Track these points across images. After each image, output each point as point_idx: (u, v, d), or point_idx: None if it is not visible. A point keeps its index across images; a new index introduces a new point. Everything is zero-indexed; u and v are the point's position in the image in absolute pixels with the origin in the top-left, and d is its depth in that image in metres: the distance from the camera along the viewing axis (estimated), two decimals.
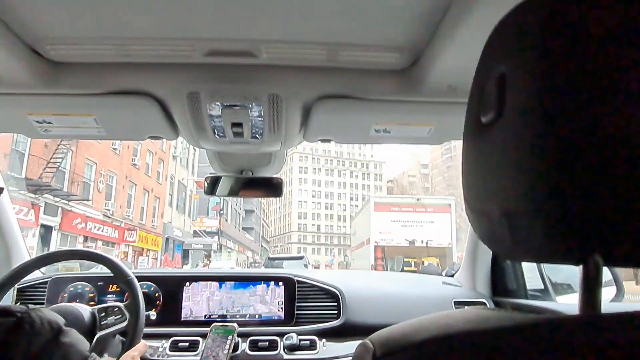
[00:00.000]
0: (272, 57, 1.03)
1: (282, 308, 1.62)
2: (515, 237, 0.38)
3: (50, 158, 14.44)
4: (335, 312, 1.61)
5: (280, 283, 1.64)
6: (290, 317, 1.60)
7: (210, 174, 1.56)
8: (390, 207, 22.97)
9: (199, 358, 1.40)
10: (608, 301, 1.39)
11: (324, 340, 1.52)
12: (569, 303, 1.55)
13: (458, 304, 1.66)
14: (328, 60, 1.04)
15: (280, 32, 0.94)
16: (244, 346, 1.48)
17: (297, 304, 1.62)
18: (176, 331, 1.52)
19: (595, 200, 0.33)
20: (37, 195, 13.87)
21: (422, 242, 21.55)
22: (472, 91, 0.44)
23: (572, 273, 1.86)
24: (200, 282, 1.62)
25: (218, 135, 1.27)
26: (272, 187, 1.52)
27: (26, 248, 1.66)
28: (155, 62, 1.04)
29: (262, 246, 49.25)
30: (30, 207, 13.36)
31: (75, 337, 0.66)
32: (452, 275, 1.95)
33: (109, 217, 18.51)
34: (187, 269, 1.89)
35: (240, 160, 1.50)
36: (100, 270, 1.51)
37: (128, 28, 0.92)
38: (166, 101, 1.14)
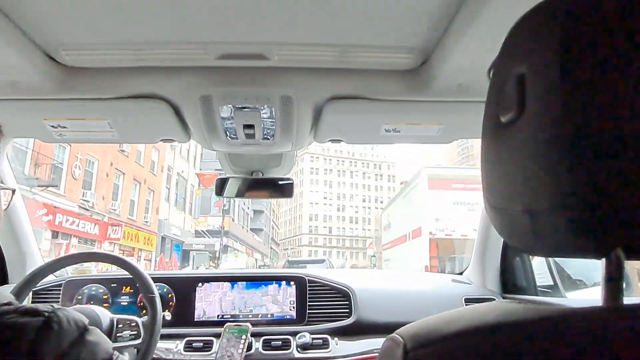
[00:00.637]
0: (284, 59, 1.07)
1: (294, 307, 1.66)
2: (537, 233, 0.40)
3: None
4: (347, 310, 1.65)
5: (292, 282, 1.69)
6: (302, 316, 1.65)
7: (219, 174, 1.61)
8: (450, 184, 15.77)
9: (213, 357, 1.46)
10: None
11: (336, 339, 1.57)
12: (579, 299, 1.57)
13: (468, 301, 1.69)
14: (338, 62, 1.08)
15: (292, 34, 0.98)
16: (257, 345, 1.52)
17: (308, 303, 1.67)
18: (190, 331, 1.58)
19: (617, 195, 0.35)
20: None
21: None
22: (490, 91, 0.46)
23: (581, 269, 1.88)
24: (213, 283, 1.68)
25: (230, 137, 1.32)
26: (282, 188, 1.57)
27: (39, 251, 1.73)
28: (168, 65, 1.09)
29: (271, 248, 48.91)
30: None
31: (100, 336, 0.68)
32: (461, 273, 1.98)
33: (87, 210, 15.83)
34: (199, 271, 1.92)
35: (250, 161, 1.55)
36: (114, 271, 1.57)
37: (141, 33, 0.96)
38: (179, 104, 1.19)
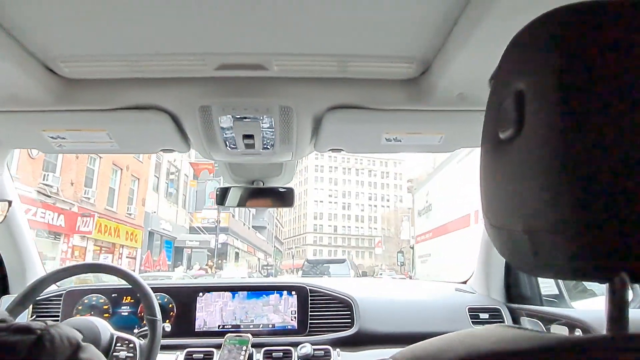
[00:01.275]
0: (283, 70, 1.08)
1: (295, 317, 1.69)
2: (538, 254, 0.39)
3: None
4: (349, 320, 1.67)
5: (293, 292, 1.71)
6: (304, 326, 1.67)
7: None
8: None
9: None
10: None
11: (338, 349, 1.58)
12: (584, 310, 1.58)
13: (472, 310, 1.70)
14: (338, 71, 1.10)
15: (291, 45, 0.99)
16: (258, 356, 1.55)
17: (310, 313, 1.69)
18: (190, 342, 1.60)
19: (620, 217, 0.34)
20: None
21: None
22: (488, 107, 0.46)
23: None
24: (213, 293, 1.70)
25: (230, 147, 1.34)
26: (283, 197, 1.59)
27: (40, 261, 1.76)
28: (167, 77, 1.11)
29: (275, 247, 48.68)
30: None
31: (94, 354, 0.66)
32: (465, 282, 2.00)
33: (50, 196, 13.70)
34: (198, 280, 1.89)
35: (251, 171, 1.58)
36: (115, 280, 1.59)
37: (139, 45, 0.98)
38: (178, 115, 1.21)
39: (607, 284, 0.38)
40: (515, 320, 1.67)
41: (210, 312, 1.68)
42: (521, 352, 0.38)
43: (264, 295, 1.71)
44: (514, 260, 0.44)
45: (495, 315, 1.69)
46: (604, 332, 0.39)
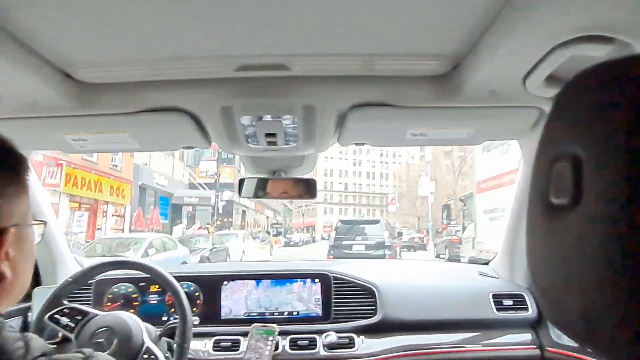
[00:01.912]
0: (305, 69, 1.07)
1: (319, 305, 1.74)
2: (594, 341, 0.37)
3: None
4: (372, 308, 1.72)
5: (317, 280, 1.76)
6: (328, 314, 1.73)
7: (238, 170, 1.66)
8: None
9: (241, 357, 1.55)
10: None
11: (362, 337, 1.65)
12: None
13: (496, 296, 1.74)
14: (363, 70, 1.08)
15: (314, 45, 0.98)
16: (284, 343, 1.62)
17: (333, 301, 1.75)
18: (217, 330, 1.68)
19: None
20: None
21: None
22: (536, 165, 0.43)
23: None
24: (238, 281, 1.76)
25: (252, 144, 1.35)
26: (305, 188, 1.61)
27: (69, 251, 1.83)
28: (187, 79, 1.11)
29: (284, 205, 49.03)
30: None
31: None
32: (487, 263, 2.03)
33: None
34: (222, 268, 1.93)
35: (273, 162, 1.59)
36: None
37: (157, 49, 0.98)
38: (199, 116, 1.22)
39: None
40: (539, 306, 1.71)
41: (235, 301, 1.75)
42: None
43: (288, 283, 1.76)
44: (563, 330, 0.42)
45: (519, 302, 1.73)
46: None
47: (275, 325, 1.61)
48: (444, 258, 16.59)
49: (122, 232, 16.44)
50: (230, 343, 1.63)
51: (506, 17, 0.84)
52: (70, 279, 1.41)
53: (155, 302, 1.75)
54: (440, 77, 1.12)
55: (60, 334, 1.35)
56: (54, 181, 13.60)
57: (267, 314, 1.74)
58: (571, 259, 0.37)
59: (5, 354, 0.58)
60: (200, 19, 0.87)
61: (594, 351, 0.38)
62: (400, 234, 21.18)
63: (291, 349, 1.61)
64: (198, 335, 1.62)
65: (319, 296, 1.75)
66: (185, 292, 1.62)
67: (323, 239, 37.44)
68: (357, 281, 1.78)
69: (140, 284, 1.75)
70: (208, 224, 21.48)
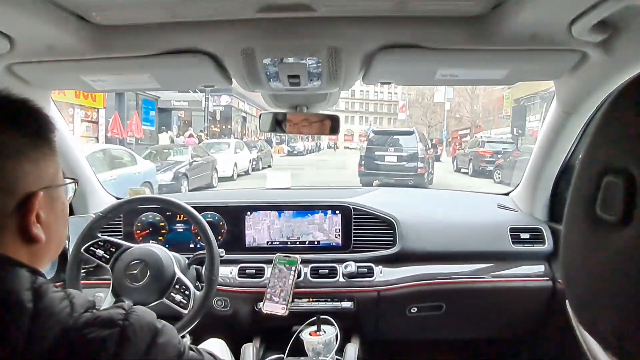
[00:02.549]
0: (331, 9, 1.02)
1: (339, 235, 1.83)
2: (626, 357, 0.38)
3: None
4: (391, 239, 1.81)
5: (337, 211, 1.83)
6: (348, 243, 1.82)
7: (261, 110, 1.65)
8: None
9: (265, 283, 1.67)
10: None
11: (380, 266, 1.75)
12: None
13: (513, 230, 1.81)
14: (394, 10, 1.03)
15: None
16: (305, 271, 1.73)
17: (353, 231, 1.83)
18: (242, 257, 1.78)
19: None
20: None
21: None
22: (582, 170, 0.43)
23: None
24: (260, 212, 1.84)
25: (273, 83, 1.33)
26: (328, 124, 1.60)
27: (99, 183, 1.92)
28: (207, 20, 1.07)
29: None
30: None
31: (169, 334, 0.74)
32: (508, 194, 2.08)
33: None
34: (245, 199, 1.97)
35: (294, 98, 1.56)
36: None
37: None
38: (220, 57, 1.19)
39: None
40: (556, 240, 1.79)
41: (258, 230, 1.84)
42: None
43: (309, 214, 1.84)
44: (594, 337, 0.42)
45: (536, 235, 1.80)
46: None
47: (297, 256, 1.70)
48: (465, 172, 15.84)
49: (97, 140, 15.22)
50: (254, 270, 1.74)
51: None
52: (101, 214, 1.48)
53: (182, 230, 1.84)
54: (477, 17, 1.06)
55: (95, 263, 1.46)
56: None
57: (289, 243, 1.83)
58: (612, 276, 0.37)
59: (54, 315, 0.62)
60: None
61: None
62: (434, 145, 19.94)
63: (312, 277, 1.73)
64: (223, 262, 1.71)
65: (340, 227, 1.83)
66: (210, 222, 1.71)
67: (329, 147, 37.63)
68: (377, 213, 1.85)
69: (167, 213, 1.84)
70: (201, 131, 20.25)
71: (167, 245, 1.54)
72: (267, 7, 1.00)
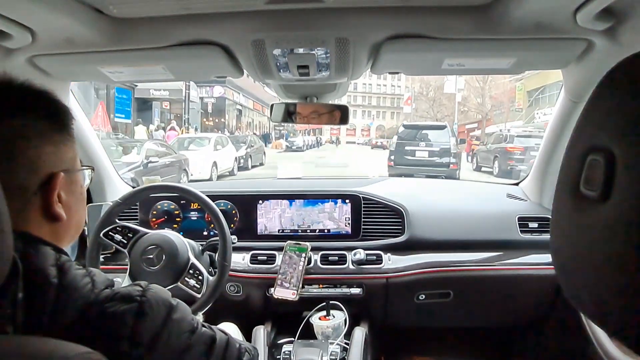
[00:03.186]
0: (339, 1, 1.07)
1: (349, 224, 1.89)
2: (602, 319, 0.41)
3: None
4: (400, 228, 1.87)
5: (347, 200, 1.89)
6: (357, 232, 1.89)
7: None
8: None
9: (277, 270, 1.74)
10: None
11: (389, 254, 1.82)
12: None
13: (522, 219, 1.87)
14: (401, 1, 1.08)
15: None
16: (316, 258, 1.80)
17: (363, 220, 1.89)
18: (254, 245, 1.85)
19: None
20: None
21: None
22: (569, 151, 0.46)
23: None
24: (272, 201, 1.90)
25: (283, 74, 1.39)
26: (337, 114, 1.64)
27: (117, 173, 2.00)
28: (218, 12, 1.13)
29: None
30: None
31: (183, 311, 0.81)
32: (517, 184, 2.13)
33: None
34: (257, 188, 2.03)
35: (304, 88, 1.62)
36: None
37: None
38: (231, 48, 1.25)
39: None
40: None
41: (270, 218, 1.90)
42: None
43: (319, 203, 1.90)
44: (577, 307, 0.46)
45: (544, 225, 1.85)
46: None
47: (307, 244, 1.77)
48: (488, 171, 14.29)
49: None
50: (266, 257, 1.81)
51: None
52: (119, 200, 1.54)
53: (196, 218, 1.91)
54: (481, 7, 1.10)
55: (113, 248, 1.53)
56: None
57: (299, 231, 1.90)
58: (592, 247, 0.40)
59: (77, 290, 0.68)
60: None
61: (602, 329, 0.43)
62: (463, 140, 18.92)
63: (322, 264, 1.80)
64: (236, 249, 1.77)
65: (349, 216, 1.90)
66: (223, 210, 1.79)
67: (331, 142, 37.54)
68: (387, 202, 1.91)
69: (182, 202, 1.91)
70: (191, 125, 18.78)
71: (181, 233, 1.60)
72: None
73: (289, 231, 1.91)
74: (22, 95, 0.73)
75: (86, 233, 1.63)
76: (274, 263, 1.80)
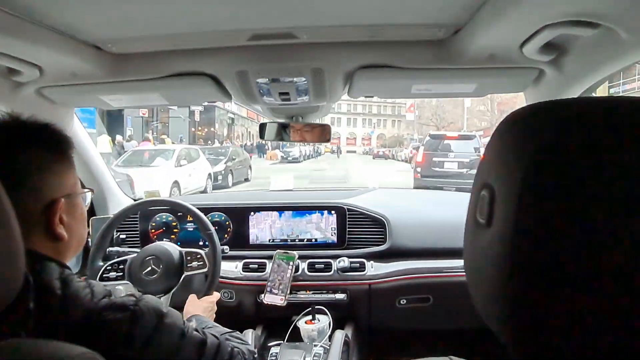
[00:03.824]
0: (312, 37, 1.24)
1: (335, 233, 2.06)
2: (491, 323, 0.49)
3: None
4: (382, 237, 2.03)
5: (333, 212, 2.06)
6: (342, 241, 2.05)
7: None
8: None
9: (267, 277, 1.89)
10: None
11: (372, 262, 1.97)
12: None
13: None
14: (367, 37, 1.24)
15: (320, 16, 1.12)
16: (303, 266, 1.95)
17: (348, 230, 2.06)
18: (246, 254, 2.01)
19: (545, 321, 0.41)
20: None
21: None
22: (473, 187, 0.53)
23: None
24: (263, 212, 2.07)
25: (267, 99, 1.56)
26: (320, 133, 1.81)
27: (118, 187, 2.16)
28: (207, 47, 1.31)
29: None
30: None
31: (174, 317, 0.91)
32: None
33: None
34: (249, 200, 2.17)
35: (289, 110, 1.79)
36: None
37: (179, 24, 1.16)
38: (219, 78, 1.42)
39: None
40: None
41: (261, 229, 2.07)
42: None
43: (307, 214, 2.07)
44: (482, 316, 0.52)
45: None
46: None
47: (295, 252, 1.92)
48: None
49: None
50: (257, 265, 1.97)
51: None
52: (113, 218, 1.72)
53: (192, 229, 2.08)
54: (440, 41, 1.26)
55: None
56: None
57: (289, 241, 2.07)
58: (485, 264, 0.47)
59: (78, 300, 0.80)
60: None
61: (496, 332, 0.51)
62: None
63: (309, 271, 1.95)
64: (230, 258, 1.94)
65: (335, 226, 2.06)
66: (217, 222, 1.97)
67: (332, 152, 37.44)
68: (370, 213, 2.07)
69: (179, 214, 2.08)
70: (169, 135, 16.89)
71: (179, 243, 1.75)
72: (257, 36, 1.22)
73: (279, 241, 2.08)
74: (30, 130, 0.83)
75: (89, 244, 1.79)
76: (264, 271, 1.96)
